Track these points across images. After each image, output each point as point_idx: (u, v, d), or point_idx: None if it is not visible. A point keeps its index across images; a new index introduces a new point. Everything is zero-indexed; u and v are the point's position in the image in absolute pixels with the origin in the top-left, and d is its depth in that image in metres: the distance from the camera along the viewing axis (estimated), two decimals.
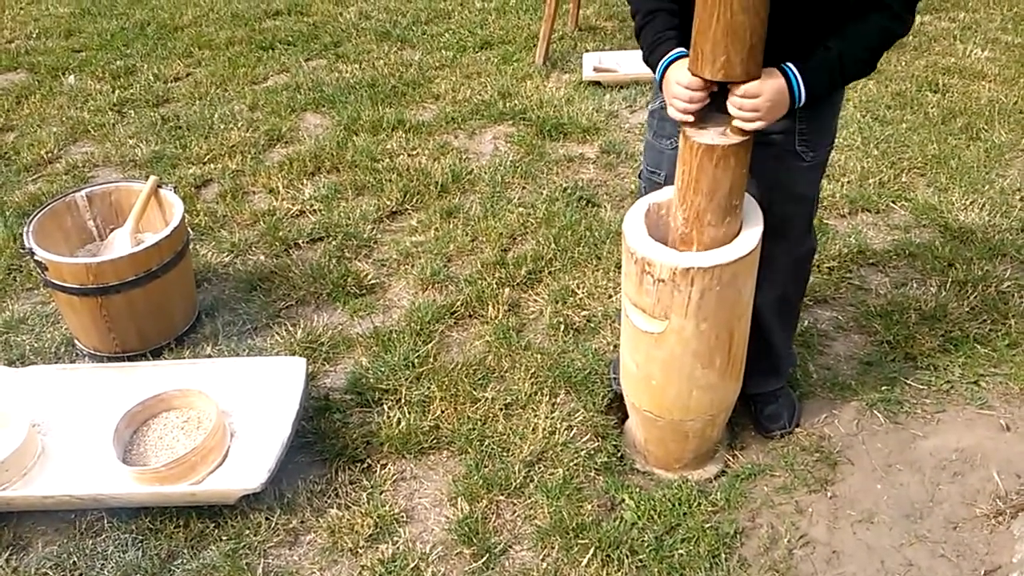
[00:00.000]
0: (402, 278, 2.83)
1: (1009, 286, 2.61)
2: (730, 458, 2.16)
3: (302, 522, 2.01)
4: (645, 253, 1.70)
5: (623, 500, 2.02)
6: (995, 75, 3.97)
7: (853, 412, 2.25)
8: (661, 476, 2.11)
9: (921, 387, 2.30)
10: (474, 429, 2.21)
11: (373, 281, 2.80)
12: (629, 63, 4.10)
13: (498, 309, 2.62)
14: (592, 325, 2.55)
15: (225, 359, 2.40)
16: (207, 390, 2.19)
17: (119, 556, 1.95)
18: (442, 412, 2.27)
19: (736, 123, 1.57)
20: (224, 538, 1.97)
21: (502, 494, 2.05)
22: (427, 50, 4.57)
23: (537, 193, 3.22)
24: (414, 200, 3.21)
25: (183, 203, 2.57)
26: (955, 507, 1.99)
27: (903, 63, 4.12)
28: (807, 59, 1.58)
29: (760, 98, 1.53)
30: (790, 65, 1.57)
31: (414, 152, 3.55)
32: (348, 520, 2.00)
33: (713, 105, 1.60)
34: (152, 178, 2.65)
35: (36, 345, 2.58)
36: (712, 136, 1.59)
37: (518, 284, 2.74)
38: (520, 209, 3.11)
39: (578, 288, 2.69)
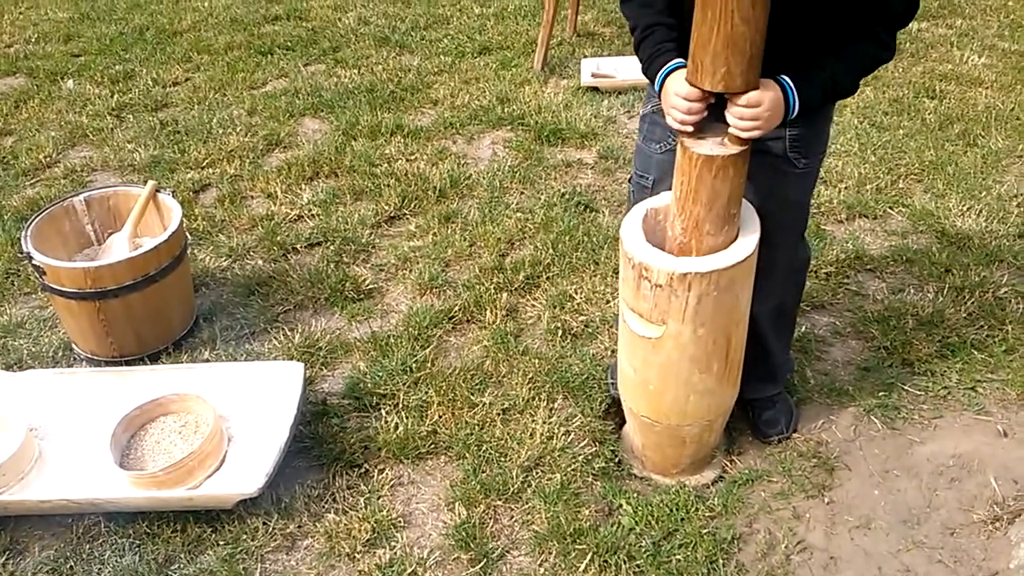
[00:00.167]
0: (400, 283, 2.83)
1: (1006, 292, 2.62)
2: (727, 463, 2.16)
3: (299, 527, 2.01)
4: (642, 258, 1.70)
5: (620, 505, 2.02)
6: (992, 81, 3.98)
7: (851, 418, 2.25)
8: (659, 481, 2.11)
9: (918, 393, 2.30)
10: (472, 434, 2.21)
11: (371, 286, 2.81)
12: (627, 69, 4.10)
13: (496, 314, 2.62)
14: (590, 330, 2.55)
15: (223, 364, 2.40)
16: (205, 394, 2.19)
17: (116, 561, 1.94)
18: (440, 417, 2.27)
19: (734, 131, 1.57)
20: (221, 543, 1.97)
21: (500, 499, 2.05)
22: (426, 55, 4.58)
23: (535, 198, 3.22)
24: (412, 205, 3.21)
25: (181, 208, 2.57)
26: (952, 513, 1.99)
27: (900, 69, 4.13)
28: (801, 73, 1.60)
29: (761, 107, 1.54)
30: (786, 78, 1.59)
31: (412, 157, 3.55)
32: (345, 525, 2.00)
33: (711, 116, 1.61)
34: (150, 183, 2.66)
35: (34, 349, 2.58)
36: (711, 147, 1.60)
37: (516, 289, 2.74)
38: (518, 214, 3.11)
39: (576, 293, 2.69)
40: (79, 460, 2.12)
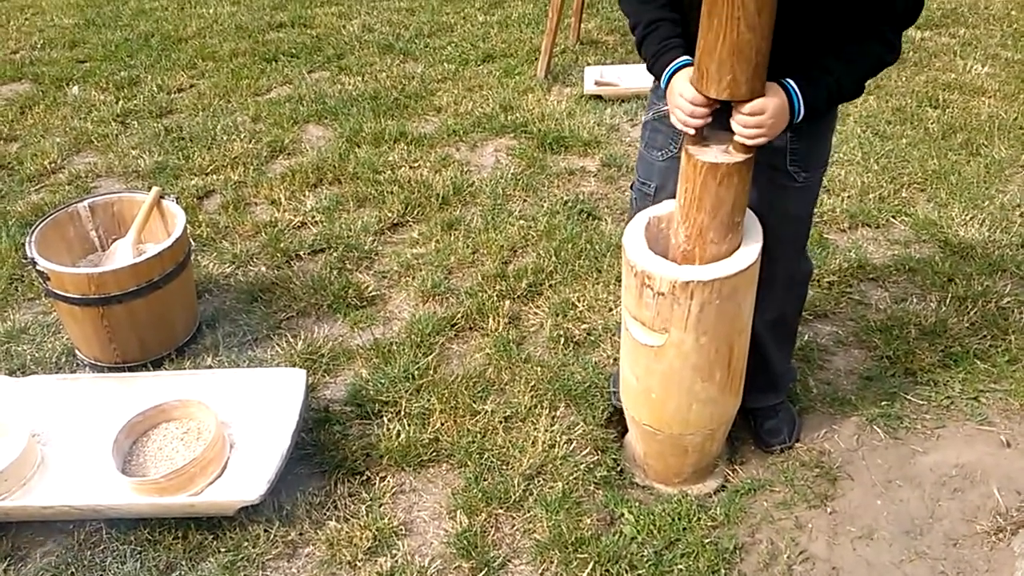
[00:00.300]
0: (403, 290, 2.83)
1: (1009, 302, 2.61)
2: (730, 473, 2.16)
3: (301, 534, 2.01)
4: (645, 266, 1.70)
5: (622, 514, 2.02)
6: (995, 91, 3.98)
7: (853, 427, 2.24)
8: (661, 490, 2.11)
9: (921, 402, 2.30)
10: (474, 442, 2.21)
11: (374, 293, 2.81)
12: (630, 77, 4.12)
13: (498, 322, 2.62)
14: (592, 338, 2.55)
15: (225, 370, 2.40)
16: (207, 401, 2.19)
17: (117, 567, 1.94)
18: (442, 425, 2.27)
19: (739, 139, 1.57)
20: (223, 550, 1.97)
21: (501, 507, 2.04)
22: (429, 63, 4.59)
23: (538, 206, 3.22)
24: (415, 212, 3.22)
25: (185, 214, 2.58)
26: (955, 523, 1.99)
27: (903, 79, 4.14)
28: (806, 76, 1.59)
29: (765, 115, 1.54)
30: (791, 82, 1.58)
31: (416, 164, 3.56)
32: (347, 533, 2.00)
33: (715, 123, 1.61)
34: (155, 189, 2.66)
35: (37, 355, 2.59)
36: (715, 154, 1.60)
37: (518, 297, 2.74)
38: (521, 222, 3.11)
39: (578, 301, 2.69)
40: (81, 466, 2.12)
